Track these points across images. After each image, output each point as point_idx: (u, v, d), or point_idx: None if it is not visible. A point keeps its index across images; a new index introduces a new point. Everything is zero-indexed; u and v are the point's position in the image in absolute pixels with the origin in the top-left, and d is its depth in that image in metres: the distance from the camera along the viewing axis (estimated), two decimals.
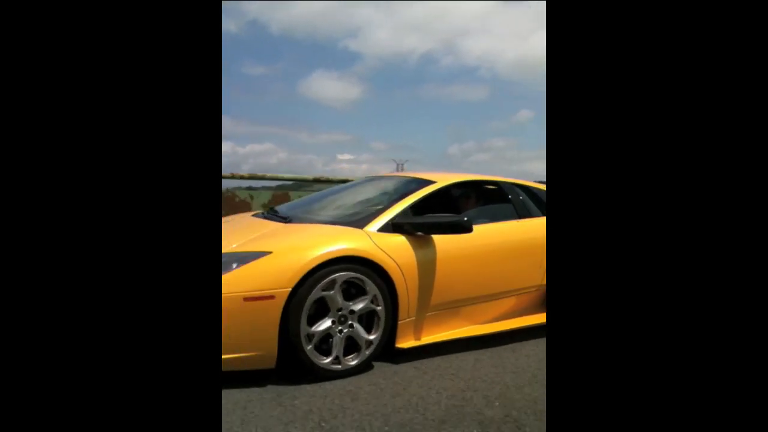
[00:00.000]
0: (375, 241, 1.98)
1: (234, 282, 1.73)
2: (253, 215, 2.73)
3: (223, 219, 2.88)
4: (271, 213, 2.61)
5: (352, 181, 3.56)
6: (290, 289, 1.74)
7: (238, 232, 2.18)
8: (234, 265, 1.79)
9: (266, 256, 1.80)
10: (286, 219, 2.34)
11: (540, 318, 2.42)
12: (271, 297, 1.73)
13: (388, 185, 2.60)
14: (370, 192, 2.61)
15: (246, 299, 1.72)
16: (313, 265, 1.78)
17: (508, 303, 2.41)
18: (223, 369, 1.73)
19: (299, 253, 1.82)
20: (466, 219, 2.04)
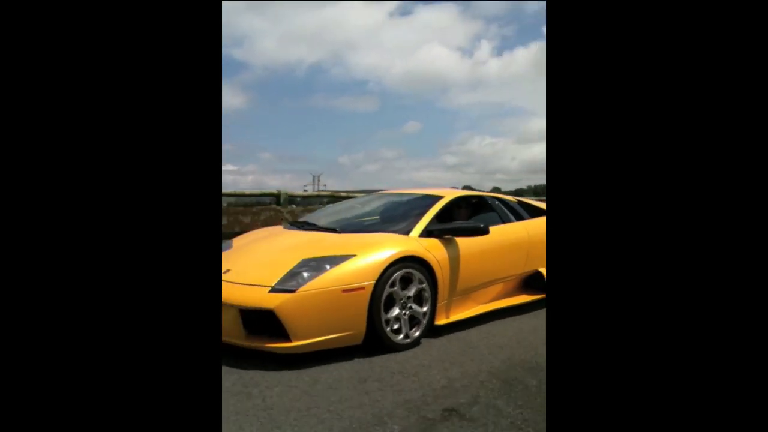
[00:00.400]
0: (421, 244, 2.60)
1: (333, 279, 2.23)
2: (285, 228, 3.17)
3: (257, 231, 3.27)
4: (308, 225, 3.08)
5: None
6: (374, 281, 2.29)
7: (300, 244, 2.65)
8: (327, 266, 2.28)
9: (352, 258, 2.33)
10: (332, 230, 2.86)
11: (520, 299, 3.20)
12: (362, 288, 2.26)
13: (407, 200, 3.24)
14: (390, 206, 3.22)
15: (344, 291, 2.23)
16: (389, 262, 2.35)
17: (498, 288, 3.15)
18: (322, 348, 2.22)
19: (377, 254, 2.37)
20: (483, 225, 2.74)
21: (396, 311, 2.41)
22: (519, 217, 3.44)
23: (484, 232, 2.74)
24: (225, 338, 2.27)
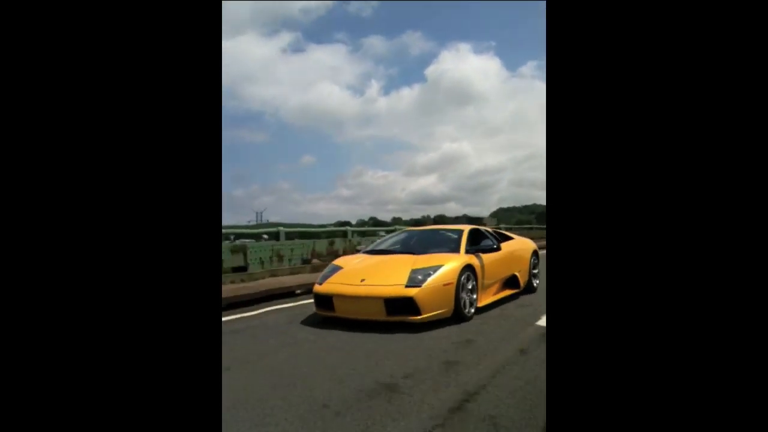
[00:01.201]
0: (469, 257, 4.41)
1: (438, 278, 3.94)
2: (366, 254, 4.78)
3: (351, 257, 4.82)
4: (384, 252, 4.74)
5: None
6: (456, 279, 4.03)
7: (402, 262, 4.27)
8: (431, 272, 3.97)
9: (443, 266, 4.05)
10: (410, 252, 4.55)
11: (507, 293, 5.12)
12: (452, 283, 3.99)
13: (442, 233, 5.06)
14: (430, 237, 5.02)
15: (444, 285, 3.94)
16: (461, 267, 4.12)
17: (497, 285, 5.06)
18: (430, 320, 3.88)
19: (453, 265, 4.12)
20: (496, 245, 4.65)
21: (465, 297, 4.17)
22: (497, 241, 5.42)
23: (498, 249, 4.66)
24: (371, 317, 3.84)
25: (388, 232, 10.77)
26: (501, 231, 5.93)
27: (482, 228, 5.54)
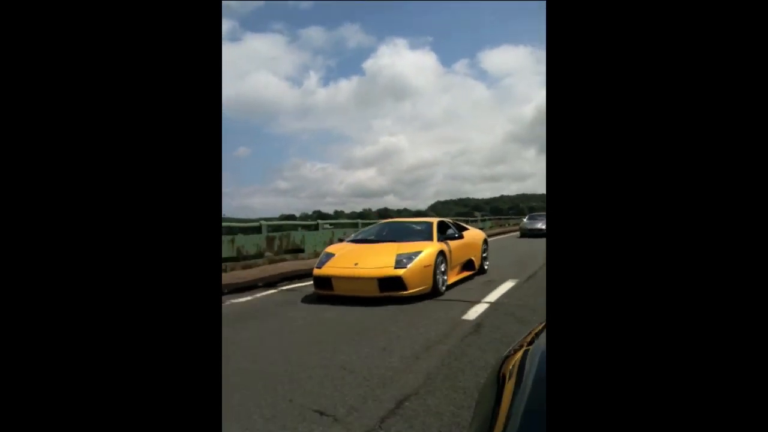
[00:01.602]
0: (441, 244, 5.36)
1: (420, 261, 4.86)
2: (350, 242, 5.60)
3: (339, 245, 5.62)
4: (366, 240, 5.59)
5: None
6: (434, 262, 4.97)
7: (387, 248, 5.15)
8: (413, 257, 4.88)
9: (423, 252, 4.97)
10: (391, 240, 5.42)
11: (465, 274, 6.14)
12: (430, 265, 4.93)
13: (415, 225, 5.99)
14: (404, 228, 5.93)
15: (425, 266, 4.88)
16: (436, 252, 5.07)
17: (458, 267, 6.07)
18: (413, 295, 4.80)
19: (430, 250, 5.06)
20: (458, 234, 5.66)
21: (439, 276, 5.12)
22: (458, 230, 6.45)
23: (461, 238, 5.68)
24: (365, 294, 4.71)
25: (332, 224, 12.02)
26: (459, 223, 6.98)
27: (446, 220, 6.53)
